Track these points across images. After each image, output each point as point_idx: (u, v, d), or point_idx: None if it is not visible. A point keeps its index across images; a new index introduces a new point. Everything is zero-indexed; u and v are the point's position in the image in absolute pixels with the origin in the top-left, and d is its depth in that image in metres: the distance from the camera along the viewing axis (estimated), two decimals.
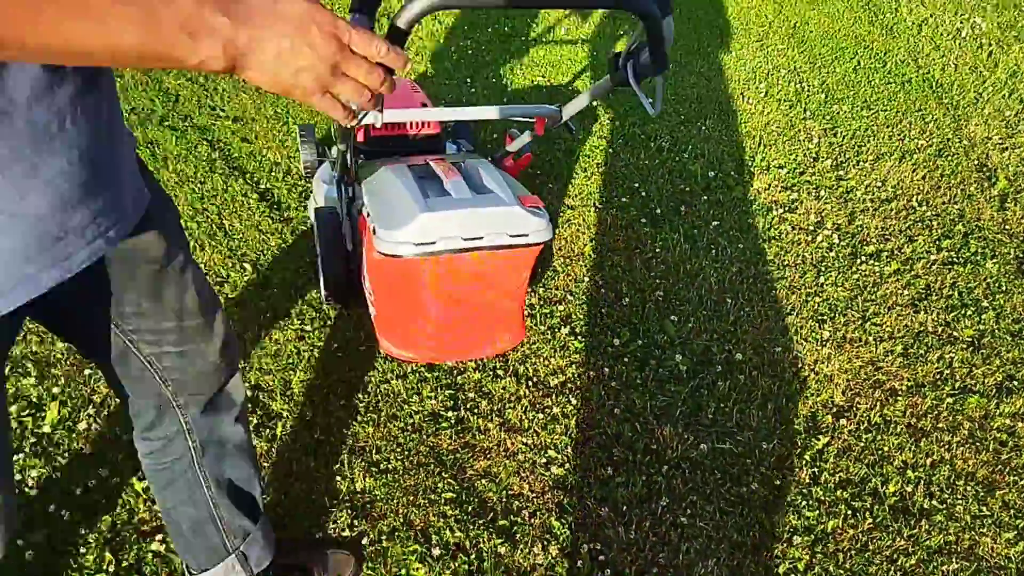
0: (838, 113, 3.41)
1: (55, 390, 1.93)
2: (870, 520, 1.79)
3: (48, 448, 1.80)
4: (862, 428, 2.02)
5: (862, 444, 1.97)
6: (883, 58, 3.93)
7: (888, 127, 3.34)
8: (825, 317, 2.35)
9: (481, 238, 1.67)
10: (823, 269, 2.53)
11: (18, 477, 1.73)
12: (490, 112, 1.94)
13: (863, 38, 4.13)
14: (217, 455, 1.33)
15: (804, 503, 1.82)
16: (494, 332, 1.92)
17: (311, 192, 2.56)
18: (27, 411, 1.87)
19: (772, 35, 4.10)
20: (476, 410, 1.98)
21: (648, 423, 1.97)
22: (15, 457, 1.76)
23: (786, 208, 2.79)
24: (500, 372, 2.09)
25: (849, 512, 1.80)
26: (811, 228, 2.70)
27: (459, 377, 2.05)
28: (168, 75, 3.36)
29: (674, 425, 1.96)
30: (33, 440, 1.81)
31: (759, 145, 3.13)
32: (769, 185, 2.90)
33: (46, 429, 1.84)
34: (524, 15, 4.04)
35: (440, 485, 1.80)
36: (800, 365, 2.18)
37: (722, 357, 2.16)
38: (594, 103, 3.30)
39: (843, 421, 2.03)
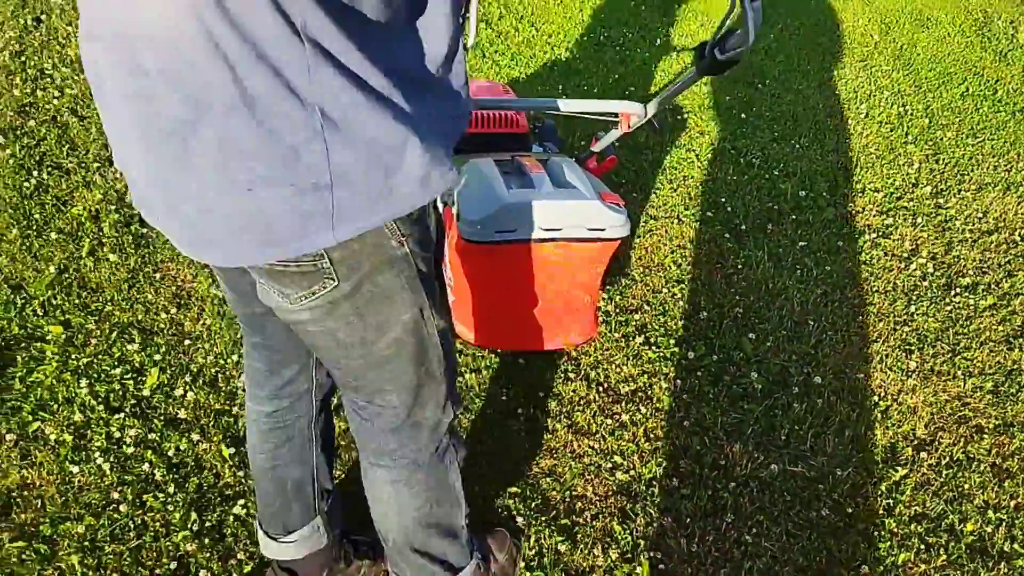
0: (942, 139, 3.29)
1: (156, 357, 2.06)
2: (944, 557, 1.73)
3: (146, 411, 1.93)
4: (943, 463, 1.95)
5: (942, 479, 1.91)
6: (994, 86, 3.76)
7: (994, 157, 3.20)
8: (913, 347, 2.28)
9: (560, 229, 1.74)
10: (914, 298, 2.45)
11: (117, 435, 1.86)
12: (575, 105, 1.98)
13: (974, 64, 3.96)
14: (327, 416, 1.43)
15: (876, 533, 1.77)
16: (567, 325, 2.00)
17: None
18: (129, 375, 2.01)
19: (877, 56, 3.98)
20: (545, 410, 2.02)
21: (718, 438, 1.96)
22: (116, 416, 1.90)
23: (880, 233, 2.71)
24: (571, 375, 2.12)
25: (923, 547, 1.75)
26: (905, 255, 2.62)
27: (531, 377, 2.09)
28: None
29: (745, 443, 1.94)
30: (133, 402, 1.94)
31: (855, 167, 3.05)
32: (863, 208, 2.82)
33: (145, 393, 1.97)
34: (619, 25, 4.05)
35: (505, 479, 1.84)
36: (883, 394, 2.12)
37: (800, 379, 2.12)
38: (685, 116, 3.29)
39: (924, 455, 1.96)
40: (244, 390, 1.85)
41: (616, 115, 2.01)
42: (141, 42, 0.80)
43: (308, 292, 0.97)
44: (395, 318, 1.03)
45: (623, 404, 2.04)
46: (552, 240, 1.75)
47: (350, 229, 0.89)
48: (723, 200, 2.81)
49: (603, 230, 1.75)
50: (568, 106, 1.91)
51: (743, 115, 3.34)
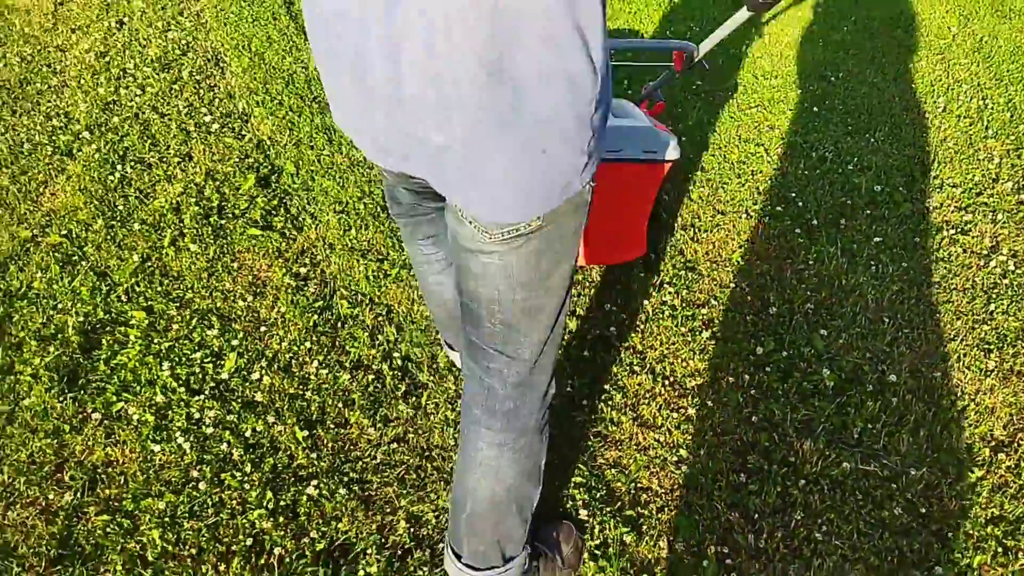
0: None
1: (234, 342, 2.14)
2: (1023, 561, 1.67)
3: (224, 393, 2.00)
4: (1023, 466, 1.88)
5: (1021, 482, 1.83)
6: None
7: None
8: (992, 347, 2.20)
9: (620, 151, 1.93)
10: (994, 296, 2.36)
11: (196, 416, 1.94)
12: (627, 43, 2.14)
13: None
14: None
15: (950, 535, 1.72)
16: (621, 242, 2.21)
17: None
18: (208, 359, 2.09)
19: (955, 48, 3.84)
20: (611, 402, 2.01)
21: (787, 435, 1.93)
22: (196, 398, 1.98)
23: (958, 229, 2.62)
24: (636, 368, 2.11)
25: (1000, 550, 1.69)
26: (985, 252, 2.53)
27: (596, 369, 2.09)
28: None
29: (815, 440, 1.91)
30: (212, 385, 2.02)
31: (933, 161, 2.96)
32: (941, 204, 2.73)
33: (224, 376, 2.04)
34: None
35: (570, 469, 1.85)
36: (960, 394, 2.05)
37: (874, 377, 2.07)
38: (753, 109, 3.24)
39: (1002, 456, 1.89)
40: (319, 368, 1.91)
41: (669, 55, 2.15)
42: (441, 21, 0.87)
43: (511, 228, 1.05)
44: (559, 265, 1.14)
45: (689, 398, 2.02)
46: (613, 161, 1.92)
47: (587, 178, 1.03)
48: (793, 195, 2.76)
49: (656, 152, 1.96)
50: (623, 45, 2.01)
51: (815, 108, 3.27)
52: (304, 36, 3.95)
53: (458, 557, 1.44)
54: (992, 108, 3.32)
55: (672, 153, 1.97)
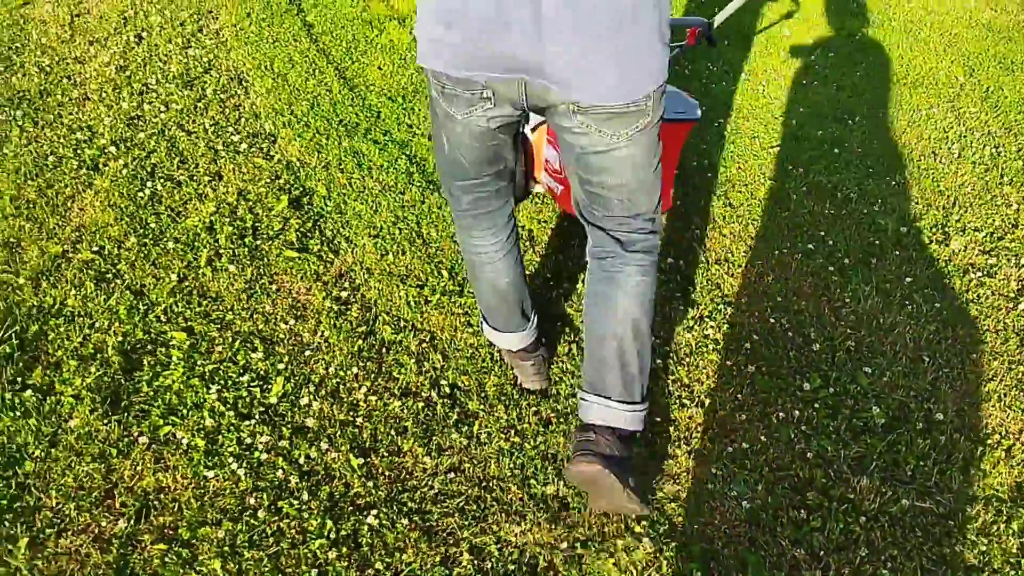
0: None
1: (280, 366, 2.10)
2: None
3: (274, 418, 1.96)
4: None
5: None
6: None
7: None
8: None
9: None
10: None
11: (248, 441, 1.90)
12: None
13: None
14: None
15: (1013, 573, 1.73)
16: None
17: None
18: (255, 383, 2.05)
19: (964, 98, 3.96)
20: (664, 435, 2.01)
21: (842, 472, 1.94)
22: (246, 423, 1.94)
23: (984, 272, 2.68)
24: (686, 401, 2.11)
25: None
26: (1012, 296, 2.58)
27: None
28: (371, 93, 3.62)
29: (871, 477, 1.92)
30: (261, 409, 1.98)
31: (953, 205, 3.03)
32: (965, 247, 2.79)
33: (272, 400, 2.00)
34: None
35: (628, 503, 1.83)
36: (1004, 432, 2.08)
37: (920, 415, 2.09)
38: (775, 149, 3.30)
39: None
40: (368, 395, 1.88)
41: (683, 31, 2.55)
42: None
43: (633, 127, 1.48)
44: (658, 150, 1.59)
45: (741, 432, 2.03)
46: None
47: (668, 70, 1.47)
48: (822, 234, 2.80)
49: (684, 112, 2.33)
50: None
51: (835, 150, 3.34)
52: (327, 59, 3.96)
53: (607, 399, 1.69)
54: (1005, 156, 3.41)
55: (696, 112, 2.36)
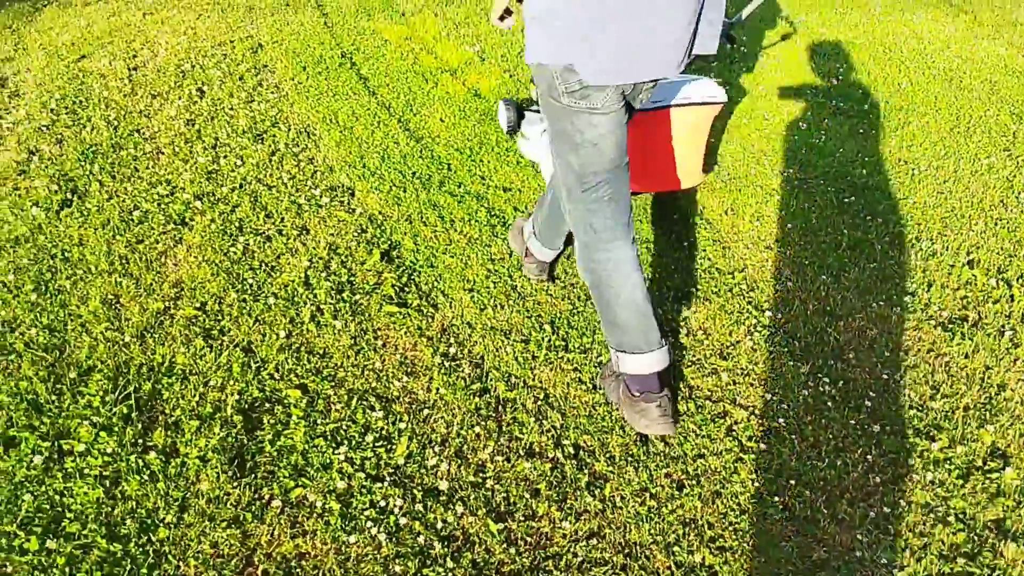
0: None
1: (400, 425, 2.06)
2: None
3: (404, 480, 1.91)
4: None
5: None
6: None
7: None
8: None
9: (690, 97, 2.83)
10: None
11: (383, 504, 1.84)
12: None
13: None
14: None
15: None
16: (684, 172, 3.04)
17: (520, 138, 3.52)
18: (380, 443, 2.00)
19: (1018, 145, 3.99)
20: (801, 497, 1.96)
21: (986, 537, 1.89)
22: (378, 485, 1.89)
23: None
24: (816, 463, 2.07)
25: None
26: None
27: (776, 462, 2.04)
28: (437, 144, 3.64)
29: (1016, 542, 1.87)
30: (390, 471, 1.93)
31: None
32: None
33: (399, 461, 1.96)
34: None
35: (780, 571, 1.78)
36: None
37: None
38: (851, 196, 3.31)
39: None
40: (494, 455, 1.83)
41: None
42: None
43: None
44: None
45: (879, 495, 1.98)
46: (685, 105, 2.82)
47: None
48: (913, 287, 2.79)
49: (715, 96, 2.86)
50: None
51: (908, 200, 3.35)
52: (388, 112, 3.98)
53: (661, 345, 2.02)
54: None
55: (723, 96, 2.87)
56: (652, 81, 1.85)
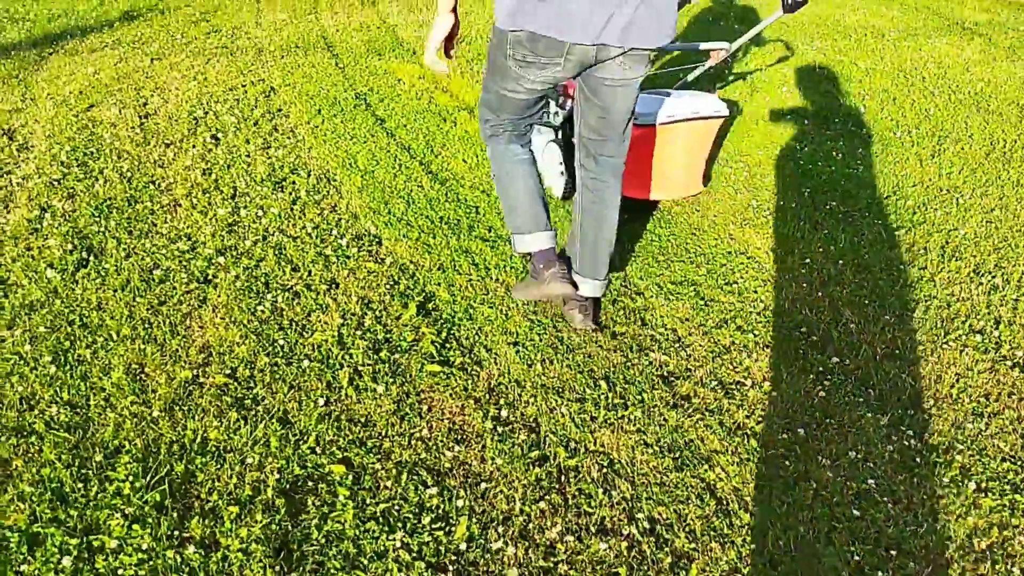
0: None
1: (458, 503, 1.88)
2: None
3: (469, 568, 1.74)
4: None
5: None
6: None
7: None
8: None
9: (698, 111, 3.10)
10: None
11: None
12: (671, 45, 2.63)
13: None
14: None
15: None
16: (688, 181, 3.33)
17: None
18: (437, 524, 1.83)
19: None
20: (905, 570, 1.78)
21: None
22: (435, 574, 1.71)
23: None
24: (912, 526, 1.89)
25: None
26: None
27: (863, 526, 1.87)
28: (462, 187, 3.50)
29: None
30: (452, 558, 1.75)
31: None
32: None
33: (460, 546, 1.78)
34: None
35: None
36: None
37: None
38: (898, 231, 3.17)
39: None
40: (564, 534, 1.68)
41: (706, 53, 3.33)
42: None
43: (645, 68, 2.15)
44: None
45: (988, 564, 1.80)
46: (692, 119, 3.10)
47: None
48: (982, 323, 2.63)
49: (720, 110, 3.17)
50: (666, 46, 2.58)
51: (959, 231, 3.21)
52: (409, 154, 3.86)
53: (595, 279, 2.50)
54: None
55: (726, 111, 3.19)
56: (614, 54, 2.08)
